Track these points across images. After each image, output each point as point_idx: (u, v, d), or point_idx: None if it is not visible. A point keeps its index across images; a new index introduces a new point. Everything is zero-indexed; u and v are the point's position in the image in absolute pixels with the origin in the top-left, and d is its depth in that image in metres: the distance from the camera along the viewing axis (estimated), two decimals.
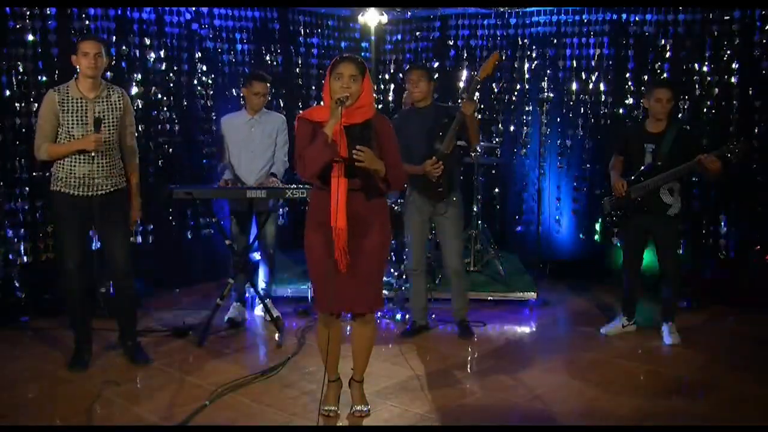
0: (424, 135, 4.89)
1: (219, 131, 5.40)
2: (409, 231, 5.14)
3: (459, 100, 4.70)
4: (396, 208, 5.83)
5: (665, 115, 4.90)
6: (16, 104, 5.50)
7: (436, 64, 7.72)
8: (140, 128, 5.94)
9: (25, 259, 5.59)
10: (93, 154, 4.20)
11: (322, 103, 3.60)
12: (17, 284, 5.53)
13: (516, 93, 7.32)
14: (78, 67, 4.23)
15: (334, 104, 3.38)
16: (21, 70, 5.49)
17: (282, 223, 7.01)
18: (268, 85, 5.34)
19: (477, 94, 4.74)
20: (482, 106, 7.37)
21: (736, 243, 6.30)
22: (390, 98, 7.98)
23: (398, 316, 5.55)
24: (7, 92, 5.44)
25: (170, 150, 6.47)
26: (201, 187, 5.37)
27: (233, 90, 6.88)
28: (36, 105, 5.57)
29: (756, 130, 6.11)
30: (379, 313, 5.32)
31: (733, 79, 6.23)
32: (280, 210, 6.70)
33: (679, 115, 6.33)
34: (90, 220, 4.31)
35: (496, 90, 7.34)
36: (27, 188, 5.59)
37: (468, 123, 4.73)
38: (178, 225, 6.64)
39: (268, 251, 5.52)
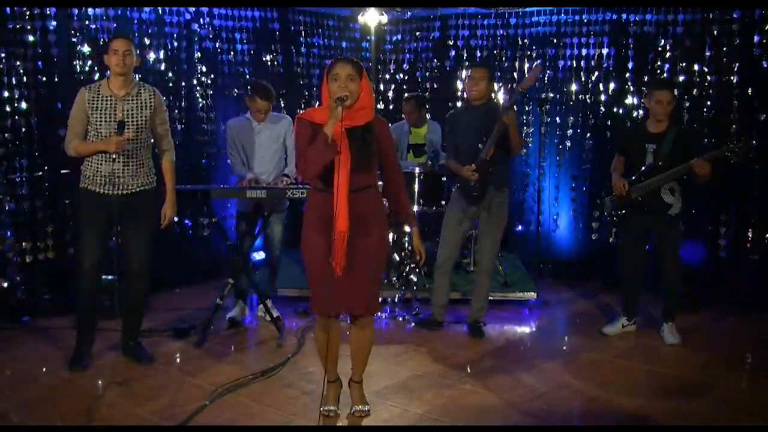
0: (470, 134, 4.92)
1: (227, 136, 5.37)
2: (444, 226, 5.18)
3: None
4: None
5: (666, 116, 4.90)
6: (16, 104, 5.49)
7: (436, 64, 7.73)
8: None
9: (25, 259, 5.59)
10: (114, 155, 4.19)
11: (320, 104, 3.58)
12: (17, 284, 5.52)
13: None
14: (109, 65, 4.24)
15: (333, 104, 3.35)
16: (21, 70, 5.49)
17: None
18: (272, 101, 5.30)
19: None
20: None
21: (736, 243, 6.29)
22: (390, 97, 7.97)
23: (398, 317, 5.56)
24: (7, 93, 5.43)
25: None
26: (201, 187, 5.36)
27: (233, 90, 6.88)
28: (36, 105, 5.58)
29: (756, 130, 6.10)
30: (379, 313, 5.32)
31: (733, 79, 6.22)
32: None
33: (682, 115, 6.32)
34: (113, 220, 4.30)
35: (496, 90, 7.33)
36: (27, 188, 5.59)
37: (510, 133, 4.74)
38: (179, 225, 6.64)
39: (273, 253, 5.51)
